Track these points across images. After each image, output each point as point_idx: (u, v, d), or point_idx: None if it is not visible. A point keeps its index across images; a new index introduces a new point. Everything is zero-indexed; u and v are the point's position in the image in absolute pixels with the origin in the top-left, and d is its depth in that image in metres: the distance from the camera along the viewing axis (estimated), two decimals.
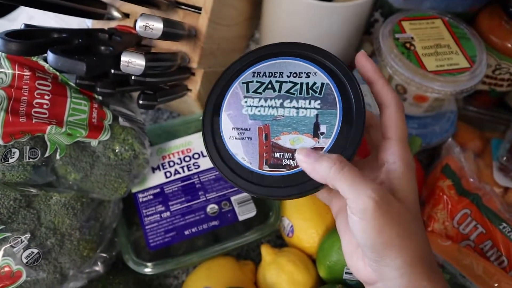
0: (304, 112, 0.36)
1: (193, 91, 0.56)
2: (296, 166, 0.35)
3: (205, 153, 0.58)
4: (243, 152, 0.36)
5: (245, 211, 0.54)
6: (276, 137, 0.36)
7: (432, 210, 0.52)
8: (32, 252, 0.44)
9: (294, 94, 0.37)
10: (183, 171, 0.57)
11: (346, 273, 0.47)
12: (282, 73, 0.38)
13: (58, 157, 0.45)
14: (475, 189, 0.51)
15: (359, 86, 0.36)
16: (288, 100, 0.37)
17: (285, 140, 0.35)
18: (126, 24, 0.54)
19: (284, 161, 0.35)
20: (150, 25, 0.40)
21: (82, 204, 0.47)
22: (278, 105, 0.37)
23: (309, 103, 0.36)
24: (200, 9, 0.52)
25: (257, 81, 0.38)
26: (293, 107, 0.37)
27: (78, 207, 0.47)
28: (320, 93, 0.36)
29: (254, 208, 0.54)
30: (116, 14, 0.53)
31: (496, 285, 0.45)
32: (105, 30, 0.49)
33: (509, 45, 0.58)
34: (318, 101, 0.36)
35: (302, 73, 0.37)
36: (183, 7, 0.52)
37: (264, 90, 0.38)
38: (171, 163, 0.57)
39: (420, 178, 0.53)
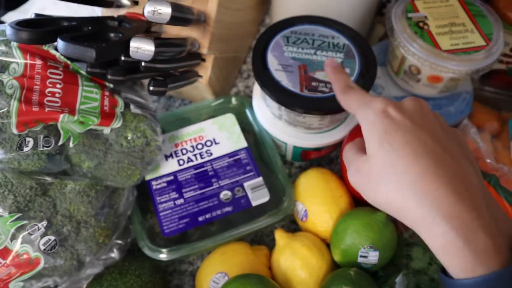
0: None
1: (204, 77, 0.56)
2: (329, 92, 0.48)
3: (217, 140, 0.58)
4: (286, 80, 0.49)
5: (259, 197, 0.54)
6: (312, 72, 0.50)
7: None
8: (49, 239, 0.44)
9: (323, 47, 0.52)
10: (196, 159, 0.57)
11: (360, 256, 0.46)
12: (314, 34, 0.54)
13: (71, 145, 0.45)
14: (492, 170, 0.50)
15: (371, 48, 0.52)
16: (320, 51, 0.52)
17: (319, 75, 0.50)
18: (135, 11, 0.53)
19: (319, 88, 0.49)
20: (158, 9, 0.40)
21: (96, 192, 0.48)
22: (312, 53, 0.52)
23: (335, 54, 0.52)
24: None
25: (295, 37, 0.53)
26: (324, 55, 0.52)
27: (92, 194, 0.47)
28: (342, 49, 0.52)
29: (267, 194, 0.54)
30: (125, 1, 0.53)
31: None
32: (114, 17, 0.49)
33: None
34: (342, 54, 0.52)
35: (328, 36, 0.54)
36: None
37: (301, 43, 0.53)
38: (184, 151, 0.57)
39: None
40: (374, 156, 0.33)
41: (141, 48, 0.40)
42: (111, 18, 0.49)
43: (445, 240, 0.29)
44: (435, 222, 0.30)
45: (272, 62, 0.51)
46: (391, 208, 0.32)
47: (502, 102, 0.65)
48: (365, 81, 0.50)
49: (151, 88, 0.46)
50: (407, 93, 0.59)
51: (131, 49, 0.40)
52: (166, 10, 0.40)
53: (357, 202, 0.55)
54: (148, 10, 0.40)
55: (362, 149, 0.36)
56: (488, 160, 0.50)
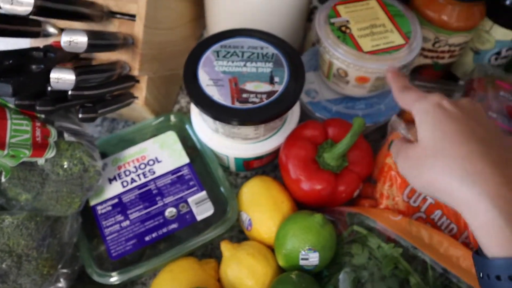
0: (262, 69, 0.53)
1: (140, 98, 0.57)
2: (259, 102, 0.50)
3: (159, 158, 0.58)
4: (218, 94, 0.51)
5: (203, 211, 0.55)
6: (242, 84, 0.52)
7: (383, 187, 0.53)
8: None
9: (253, 59, 0.54)
10: (139, 179, 0.57)
11: (301, 259, 0.48)
12: (243, 46, 0.55)
13: (3, 179, 0.45)
14: None
15: (299, 55, 0.54)
16: (249, 62, 0.54)
17: (250, 86, 0.51)
18: None
19: (250, 99, 0.50)
20: (74, 39, 0.41)
21: (36, 223, 0.48)
22: (242, 65, 0.53)
23: (265, 64, 0.53)
24: (134, 16, 0.52)
25: (224, 50, 0.55)
26: (254, 66, 0.53)
27: (32, 226, 0.47)
28: (272, 59, 0.54)
29: (211, 207, 0.55)
30: (52, 30, 0.53)
31: (444, 251, 0.47)
32: (40, 48, 0.49)
33: (445, 18, 0.59)
34: (271, 63, 0.53)
35: (257, 47, 0.55)
36: (118, 16, 0.52)
37: (230, 56, 0.54)
38: (127, 172, 0.58)
39: (369, 157, 0.54)
40: (425, 142, 0.36)
41: (62, 78, 0.41)
42: (36, 49, 0.49)
43: (487, 218, 0.30)
44: (479, 200, 0.31)
45: (203, 78, 0.52)
46: (435, 189, 0.34)
47: None
48: (295, 87, 0.51)
49: (80, 115, 0.47)
50: (339, 95, 0.61)
51: (51, 80, 0.41)
52: (82, 39, 0.41)
53: (300, 205, 0.56)
54: (64, 41, 0.41)
55: (410, 142, 0.40)
56: None
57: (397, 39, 0.55)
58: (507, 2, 0.58)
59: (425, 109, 0.37)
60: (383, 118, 0.59)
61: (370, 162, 0.55)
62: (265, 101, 0.51)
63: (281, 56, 0.54)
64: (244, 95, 0.51)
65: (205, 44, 0.56)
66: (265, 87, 0.52)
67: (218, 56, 0.54)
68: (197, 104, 0.50)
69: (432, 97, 0.37)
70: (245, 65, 0.53)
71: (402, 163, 0.38)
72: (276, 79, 0.52)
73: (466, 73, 0.68)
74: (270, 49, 0.55)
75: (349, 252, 0.49)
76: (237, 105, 0.50)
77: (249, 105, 0.50)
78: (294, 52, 0.55)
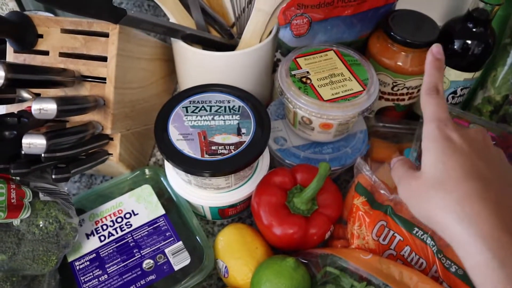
0: (229, 122, 0.56)
1: (114, 154, 0.59)
2: (228, 153, 0.52)
3: (136, 211, 0.60)
4: (188, 148, 0.53)
5: (180, 260, 0.56)
6: (211, 137, 0.54)
7: (353, 227, 0.55)
8: None
9: (220, 112, 0.57)
10: (117, 232, 0.58)
11: None
12: (211, 101, 0.59)
13: None
14: (386, 201, 0.55)
15: (263, 106, 0.58)
16: (217, 116, 0.57)
17: (218, 139, 0.54)
18: None
19: (219, 151, 0.53)
20: (43, 107, 0.43)
21: (12, 283, 0.48)
22: (210, 119, 0.56)
23: (232, 117, 0.57)
24: (105, 79, 0.55)
25: (193, 106, 0.58)
26: (221, 119, 0.56)
27: (8, 287, 0.48)
28: (238, 111, 0.57)
29: (188, 256, 0.56)
30: (26, 95, 0.56)
31: (415, 286, 0.48)
32: (14, 113, 0.52)
33: (400, 64, 0.64)
34: (238, 116, 0.57)
35: (224, 101, 0.59)
36: (89, 79, 0.55)
37: (199, 111, 0.57)
38: (104, 227, 0.59)
39: (338, 199, 0.57)
40: (426, 173, 0.36)
41: (33, 143, 0.43)
42: (11, 115, 0.51)
43: (480, 260, 0.31)
44: (472, 240, 0.32)
45: (174, 133, 0.55)
46: (433, 222, 0.36)
47: (400, 134, 0.71)
48: (262, 137, 0.54)
49: (53, 176, 0.48)
50: (307, 141, 0.64)
51: (23, 145, 0.43)
52: (51, 107, 0.43)
53: (275, 249, 0.57)
54: (34, 109, 0.43)
55: (412, 167, 0.40)
56: (382, 192, 0.55)
57: (355, 87, 0.58)
58: (455, 47, 0.63)
59: (433, 136, 0.37)
60: (350, 161, 0.62)
61: (339, 204, 0.57)
62: (233, 152, 0.53)
63: (247, 108, 0.57)
64: (213, 148, 0.53)
65: (174, 100, 0.59)
66: (233, 139, 0.54)
67: (187, 111, 0.57)
68: (168, 159, 0.53)
69: (445, 125, 0.37)
70: (213, 119, 0.56)
71: (403, 191, 0.39)
72: (243, 130, 0.55)
73: None
74: (237, 102, 0.58)
75: None
76: (207, 157, 0.52)
77: (218, 157, 0.53)
78: (259, 103, 0.58)
